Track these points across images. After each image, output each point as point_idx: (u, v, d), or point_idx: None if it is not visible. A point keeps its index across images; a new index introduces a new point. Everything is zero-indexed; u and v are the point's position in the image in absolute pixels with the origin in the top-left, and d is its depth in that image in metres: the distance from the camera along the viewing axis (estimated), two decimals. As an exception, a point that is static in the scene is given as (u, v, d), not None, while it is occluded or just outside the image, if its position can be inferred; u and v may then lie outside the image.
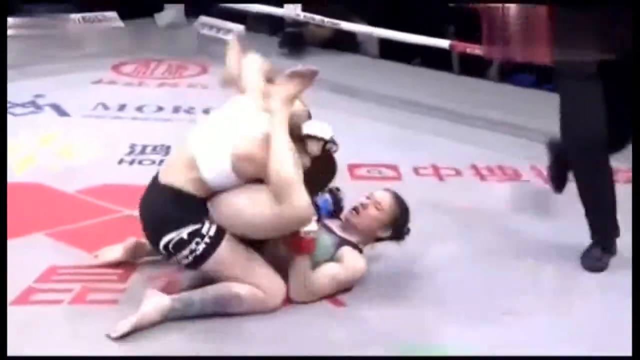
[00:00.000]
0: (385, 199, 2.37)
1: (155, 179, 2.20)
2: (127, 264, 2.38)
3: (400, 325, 2.18)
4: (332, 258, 2.27)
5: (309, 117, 2.35)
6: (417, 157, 3.45)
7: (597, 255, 2.51)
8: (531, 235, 2.77)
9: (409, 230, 2.43)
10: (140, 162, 3.33)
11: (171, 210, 2.09)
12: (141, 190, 3.02)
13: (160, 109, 4.13)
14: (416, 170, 3.35)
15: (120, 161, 3.33)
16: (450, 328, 2.20)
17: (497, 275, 2.48)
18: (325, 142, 2.24)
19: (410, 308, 2.26)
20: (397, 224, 2.38)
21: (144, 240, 2.32)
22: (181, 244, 2.07)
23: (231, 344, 2.04)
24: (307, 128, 2.25)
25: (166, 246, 2.10)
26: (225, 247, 2.10)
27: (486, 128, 3.99)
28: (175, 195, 2.10)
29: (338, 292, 2.28)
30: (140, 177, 3.14)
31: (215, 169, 2.10)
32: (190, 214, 2.08)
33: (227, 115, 2.27)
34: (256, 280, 2.14)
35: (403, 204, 2.41)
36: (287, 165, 2.08)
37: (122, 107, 4.11)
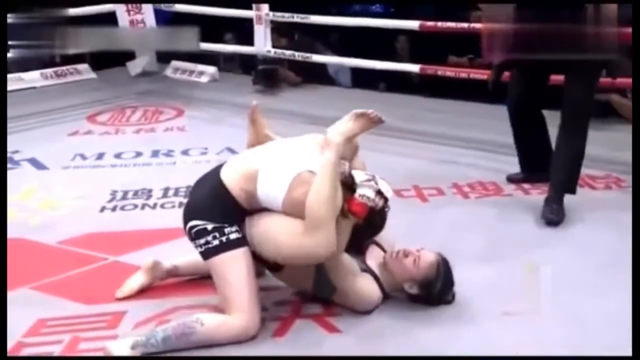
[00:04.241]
0: (427, 259, 2.28)
1: (219, 167, 2.30)
2: (116, 313, 2.35)
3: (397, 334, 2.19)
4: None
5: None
6: (397, 178, 3.48)
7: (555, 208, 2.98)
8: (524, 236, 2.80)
9: (445, 301, 2.32)
10: (122, 208, 3.31)
11: (212, 203, 2.21)
12: (126, 235, 3.04)
13: (138, 154, 4.13)
14: (398, 192, 3.37)
15: (102, 209, 3.31)
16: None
17: (494, 278, 2.48)
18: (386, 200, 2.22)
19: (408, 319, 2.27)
20: (427, 288, 2.28)
21: (159, 259, 2.49)
22: (203, 233, 2.18)
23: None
24: (382, 184, 2.22)
25: (191, 228, 2.21)
26: (232, 257, 2.16)
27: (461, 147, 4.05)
28: (223, 193, 2.21)
29: (331, 315, 2.29)
30: (124, 223, 3.14)
31: (269, 193, 2.18)
32: (225, 215, 2.19)
33: (299, 147, 2.29)
34: (234, 301, 2.16)
35: (444, 273, 2.29)
36: (323, 201, 2.08)
37: (100, 156, 4.11)
